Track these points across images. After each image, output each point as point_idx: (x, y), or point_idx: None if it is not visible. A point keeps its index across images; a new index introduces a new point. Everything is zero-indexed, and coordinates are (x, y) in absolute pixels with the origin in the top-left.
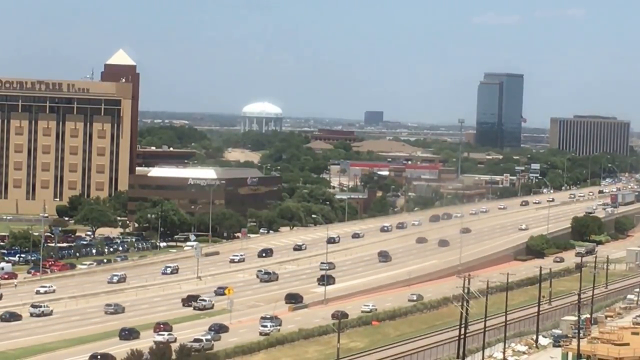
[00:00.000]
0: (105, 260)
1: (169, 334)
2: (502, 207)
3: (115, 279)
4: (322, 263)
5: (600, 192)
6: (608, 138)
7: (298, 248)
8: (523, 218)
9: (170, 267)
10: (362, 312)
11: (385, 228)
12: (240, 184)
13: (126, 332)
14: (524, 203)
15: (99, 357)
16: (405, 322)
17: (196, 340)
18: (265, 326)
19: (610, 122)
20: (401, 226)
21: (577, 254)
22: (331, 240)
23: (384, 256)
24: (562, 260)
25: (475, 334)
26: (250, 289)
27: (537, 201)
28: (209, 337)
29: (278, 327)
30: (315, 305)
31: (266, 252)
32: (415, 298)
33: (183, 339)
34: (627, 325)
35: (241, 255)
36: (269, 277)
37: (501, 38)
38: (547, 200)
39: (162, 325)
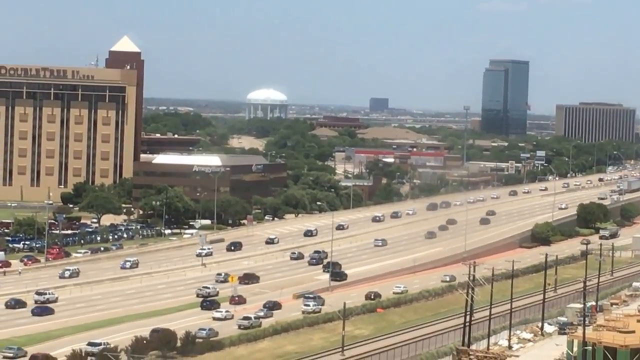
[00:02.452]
0: (102, 249)
1: (226, 311)
2: (495, 196)
3: (67, 273)
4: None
5: (600, 180)
6: (614, 125)
7: (270, 242)
8: (528, 205)
9: (130, 261)
10: (394, 293)
11: (377, 218)
12: (245, 171)
13: (208, 303)
14: (512, 193)
15: (159, 330)
16: (410, 309)
17: (245, 318)
18: (308, 305)
19: (616, 109)
20: (395, 215)
21: (601, 237)
22: (308, 233)
23: (431, 233)
24: (589, 242)
25: (481, 321)
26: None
27: (526, 190)
28: (261, 314)
29: (320, 307)
30: (320, 292)
31: (235, 246)
32: (448, 279)
33: (189, 326)
34: (633, 313)
35: (209, 248)
36: (319, 256)
37: (507, 25)
38: (540, 189)
39: (236, 298)
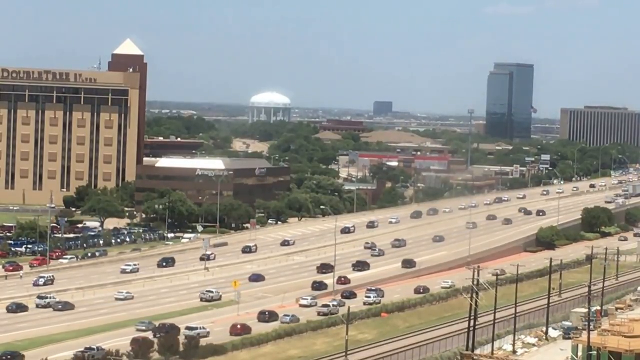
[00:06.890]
0: (89, 254)
1: (312, 299)
2: (488, 202)
3: None
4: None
5: (592, 186)
6: (619, 129)
7: (206, 258)
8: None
9: (44, 277)
10: (442, 288)
11: (347, 229)
12: (249, 174)
13: (317, 285)
14: (497, 200)
15: (267, 313)
16: (414, 313)
17: (324, 306)
18: (369, 297)
19: (621, 113)
20: (372, 225)
21: (636, 235)
22: (247, 250)
23: (507, 220)
24: (626, 239)
25: (485, 326)
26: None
27: (506, 198)
28: (335, 303)
29: (380, 299)
30: (324, 297)
31: (167, 262)
32: (498, 272)
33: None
34: (638, 318)
35: (135, 264)
36: (399, 244)
37: (512, 28)
38: (517, 197)
39: (342, 279)
